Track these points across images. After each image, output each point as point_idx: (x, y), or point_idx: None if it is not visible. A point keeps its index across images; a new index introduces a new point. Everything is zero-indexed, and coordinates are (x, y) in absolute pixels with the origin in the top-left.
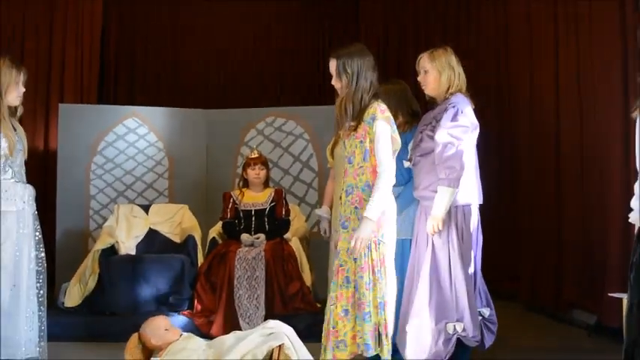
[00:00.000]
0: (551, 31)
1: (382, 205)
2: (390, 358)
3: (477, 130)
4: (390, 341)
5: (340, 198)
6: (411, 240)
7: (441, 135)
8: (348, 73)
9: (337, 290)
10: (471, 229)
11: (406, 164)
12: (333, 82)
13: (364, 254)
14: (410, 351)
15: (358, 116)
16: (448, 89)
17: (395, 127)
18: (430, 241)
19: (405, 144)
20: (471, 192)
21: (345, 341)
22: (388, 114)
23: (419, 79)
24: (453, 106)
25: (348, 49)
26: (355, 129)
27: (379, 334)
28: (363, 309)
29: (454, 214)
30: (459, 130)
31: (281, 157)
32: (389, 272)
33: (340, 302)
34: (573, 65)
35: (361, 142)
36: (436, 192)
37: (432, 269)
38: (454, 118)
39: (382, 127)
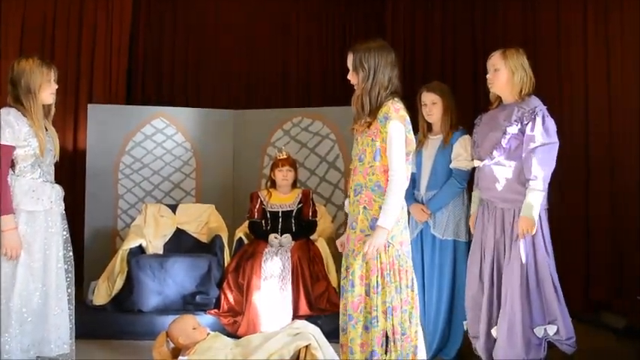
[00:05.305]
0: (580, 35)
1: (396, 212)
2: None
3: None
4: (398, 347)
5: (349, 197)
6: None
7: (537, 138)
8: (365, 68)
9: (344, 294)
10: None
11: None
12: (349, 76)
13: (374, 257)
14: (501, 354)
15: (373, 113)
16: (521, 91)
17: (410, 126)
18: (519, 243)
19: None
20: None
21: (352, 348)
22: (403, 113)
23: (488, 76)
24: (540, 110)
25: (366, 44)
26: (369, 126)
27: (387, 340)
28: (370, 313)
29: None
30: (551, 133)
31: (307, 158)
32: (403, 276)
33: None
34: (603, 64)
35: (372, 140)
36: (519, 194)
37: (522, 272)
38: (544, 122)
39: (395, 127)
